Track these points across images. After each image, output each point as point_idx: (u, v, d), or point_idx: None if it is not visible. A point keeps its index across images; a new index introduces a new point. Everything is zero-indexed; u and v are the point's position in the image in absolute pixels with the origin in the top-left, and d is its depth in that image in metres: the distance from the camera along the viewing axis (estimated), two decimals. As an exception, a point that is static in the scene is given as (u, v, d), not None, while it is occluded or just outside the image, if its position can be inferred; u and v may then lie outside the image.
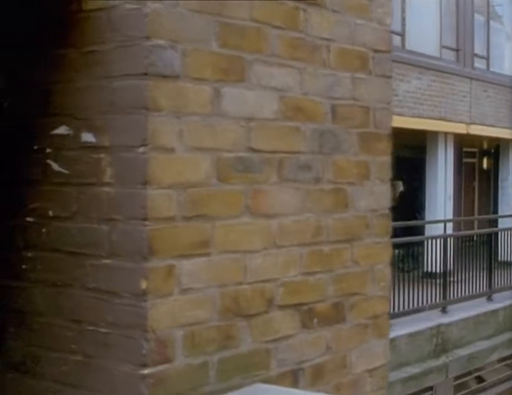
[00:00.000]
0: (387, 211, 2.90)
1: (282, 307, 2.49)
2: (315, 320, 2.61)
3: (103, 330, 2.20)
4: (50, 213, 2.32)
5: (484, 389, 12.61)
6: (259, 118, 2.40)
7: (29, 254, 2.39)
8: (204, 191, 2.26)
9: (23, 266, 2.40)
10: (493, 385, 12.82)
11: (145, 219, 2.11)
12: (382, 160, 2.88)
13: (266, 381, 2.43)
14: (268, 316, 2.45)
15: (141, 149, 2.12)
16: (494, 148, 21.86)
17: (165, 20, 2.14)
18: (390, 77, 2.93)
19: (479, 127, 18.97)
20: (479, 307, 11.99)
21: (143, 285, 2.11)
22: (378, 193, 2.85)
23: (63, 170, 2.29)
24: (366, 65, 2.80)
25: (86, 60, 2.23)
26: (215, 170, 2.28)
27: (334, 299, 2.68)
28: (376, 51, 2.85)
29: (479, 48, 19.45)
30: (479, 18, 19.45)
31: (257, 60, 2.40)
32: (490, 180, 22.54)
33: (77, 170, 2.25)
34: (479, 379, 12.28)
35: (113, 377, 2.19)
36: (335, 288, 2.68)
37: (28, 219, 2.38)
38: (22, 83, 2.40)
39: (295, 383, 2.55)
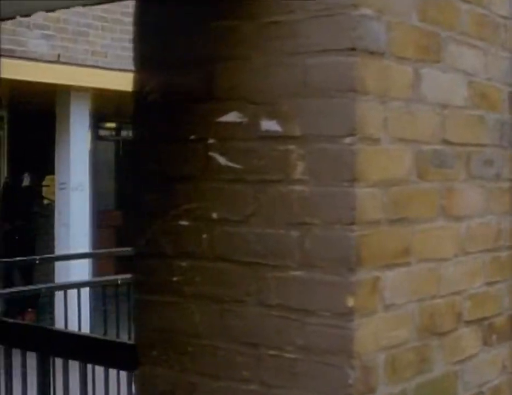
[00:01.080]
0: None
1: (468, 323, 2.16)
2: (494, 336, 2.28)
3: (289, 355, 1.84)
4: (214, 216, 1.96)
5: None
6: (452, 105, 2.07)
7: (183, 264, 2.02)
8: (406, 190, 1.92)
9: (174, 278, 2.03)
10: None
11: (352, 223, 1.76)
12: (547, 155, 2.56)
13: (454, 409, 2.10)
14: (457, 333, 2.12)
15: (348, 139, 1.77)
16: None
17: (373, -16, 1.80)
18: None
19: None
20: None
21: (350, 301, 1.77)
22: (543, 192, 2.53)
23: (234, 165, 1.92)
24: (534, 47, 2.48)
25: (268, 33, 1.87)
26: (415, 166, 1.94)
27: (509, 312, 2.35)
28: (541, 32, 2.53)
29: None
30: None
31: (451, 38, 2.06)
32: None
33: (254, 165, 1.89)
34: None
35: (301, 411, 1.84)
36: (510, 299, 2.36)
37: (182, 222, 2.02)
38: (175, 62, 2.03)
39: (475, 410, 2.22)
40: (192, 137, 1.99)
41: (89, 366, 3.47)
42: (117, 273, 9.40)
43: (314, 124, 1.81)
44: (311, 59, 1.81)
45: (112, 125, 13.09)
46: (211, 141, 1.96)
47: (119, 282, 5.42)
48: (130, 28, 8.25)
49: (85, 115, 9.00)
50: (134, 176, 2.14)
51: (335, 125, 1.78)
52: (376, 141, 1.82)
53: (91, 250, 8.90)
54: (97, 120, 10.07)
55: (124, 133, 13.51)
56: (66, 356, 2.77)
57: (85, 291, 5.94)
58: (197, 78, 1.99)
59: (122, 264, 10.18)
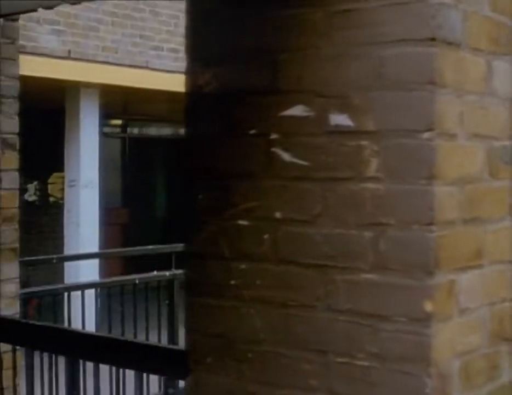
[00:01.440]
0: None
1: (534, 328, 2.07)
2: (557, 342, 2.20)
3: (362, 363, 1.74)
4: (277, 215, 1.86)
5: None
6: (521, 99, 1.98)
7: (242, 266, 1.92)
8: (479, 188, 1.82)
9: (232, 281, 1.94)
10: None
11: (431, 224, 1.67)
12: None
13: (522, 417, 2.01)
14: (524, 339, 2.03)
15: (426, 135, 1.67)
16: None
17: (451, -30, 1.70)
18: None
19: None
20: None
21: (428, 306, 1.67)
22: None
23: (300, 162, 1.82)
24: None
25: (339, 21, 1.77)
26: (487, 163, 1.85)
27: None
28: None
29: None
30: None
31: (520, 29, 1.98)
32: None
33: (322, 162, 1.79)
34: None
35: (373, 421, 1.75)
36: None
37: (241, 221, 1.92)
38: (233, 52, 1.93)
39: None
40: (253, 132, 1.90)
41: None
42: (124, 273, 9.31)
43: (390, 118, 1.71)
44: (386, 50, 1.71)
45: (119, 122, 12.98)
46: (274, 136, 1.86)
47: (136, 281, 5.33)
48: (141, 23, 8.20)
49: (94, 111, 8.88)
50: (187, 173, 2.04)
51: (413, 120, 1.68)
52: (453, 136, 1.73)
53: (99, 249, 8.80)
54: (104, 117, 9.97)
55: (129, 130, 13.41)
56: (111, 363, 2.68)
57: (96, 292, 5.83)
58: (259, 69, 1.89)
59: (130, 263, 10.08)
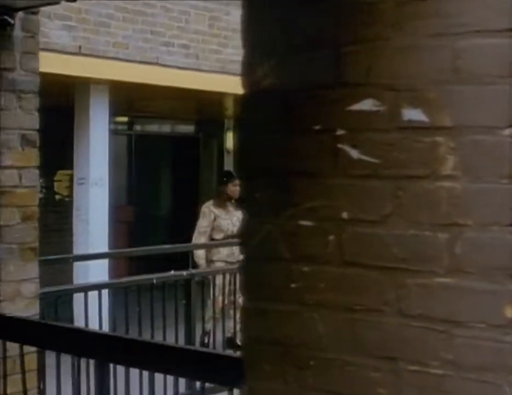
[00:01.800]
0: None
1: None
2: None
3: (435, 371, 1.66)
4: (344, 215, 1.77)
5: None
6: None
7: (304, 269, 1.83)
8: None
9: (293, 285, 1.85)
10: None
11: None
12: None
13: None
14: None
15: (508, 131, 1.58)
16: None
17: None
18: None
19: None
20: None
21: (509, 312, 1.59)
22: None
23: (369, 159, 1.74)
24: None
25: (410, 11, 1.68)
26: None
27: None
28: None
29: None
30: None
31: None
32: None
33: (394, 159, 1.70)
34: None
35: (446, 432, 1.66)
36: None
37: (303, 222, 1.83)
38: (294, 43, 1.84)
39: None
40: (317, 127, 1.81)
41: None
42: (131, 273, 9.21)
43: (468, 113, 1.62)
44: (462, 41, 1.62)
45: (125, 119, 12.87)
46: (340, 132, 1.77)
47: (154, 281, 5.24)
48: (152, 19, 8.06)
49: (104, 108, 8.76)
50: (245, 170, 1.96)
51: (493, 115, 1.60)
52: (531, 133, 1.65)
53: (108, 247, 8.70)
54: (114, 114, 9.85)
55: (136, 127, 13.32)
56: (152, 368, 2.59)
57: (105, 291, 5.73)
58: (323, 62, 1.80)
59: (136, 262, 9.99)
